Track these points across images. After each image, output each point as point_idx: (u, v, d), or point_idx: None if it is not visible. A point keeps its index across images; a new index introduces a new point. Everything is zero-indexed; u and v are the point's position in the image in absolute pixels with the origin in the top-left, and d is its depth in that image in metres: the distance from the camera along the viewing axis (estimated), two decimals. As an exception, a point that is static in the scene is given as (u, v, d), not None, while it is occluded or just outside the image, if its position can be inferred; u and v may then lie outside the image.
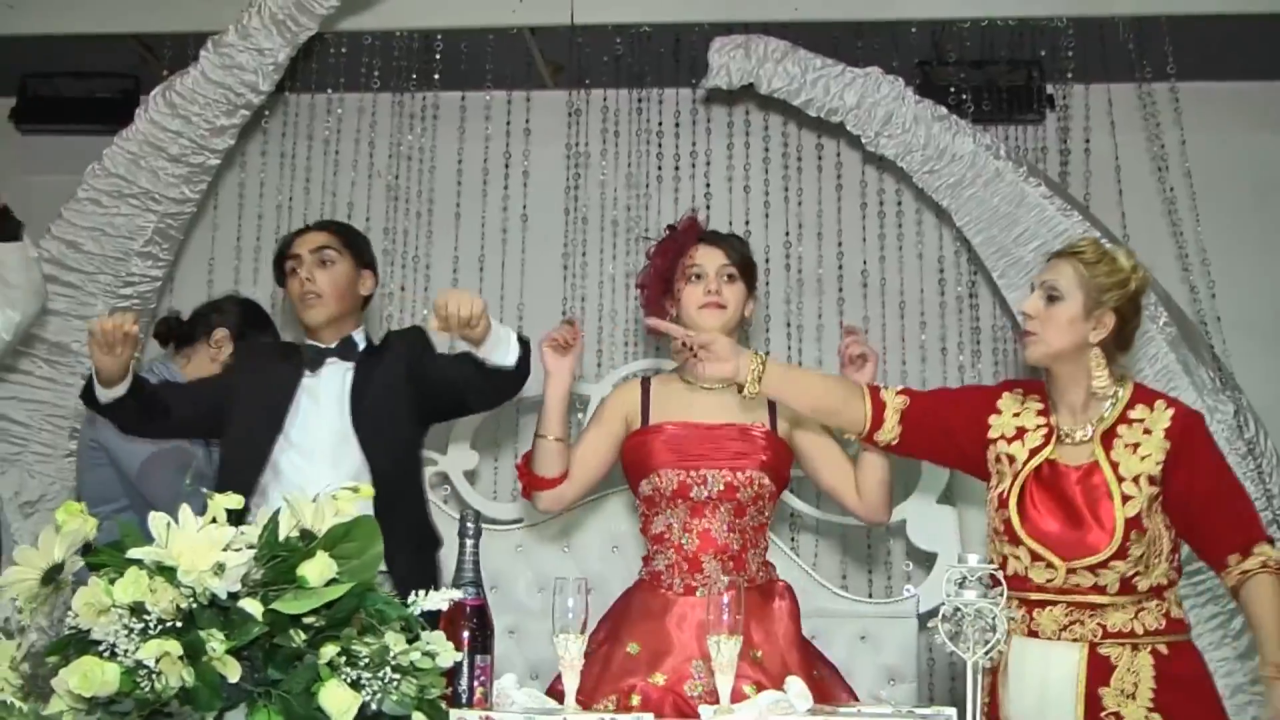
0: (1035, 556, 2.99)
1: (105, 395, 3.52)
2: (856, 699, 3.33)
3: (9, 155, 6.03)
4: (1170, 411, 3.03)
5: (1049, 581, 2.98)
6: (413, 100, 5.71)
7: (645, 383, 3.53)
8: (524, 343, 3.47)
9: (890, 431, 3.17)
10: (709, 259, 3.44)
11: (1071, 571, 2.96)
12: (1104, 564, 2.94)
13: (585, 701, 3.03)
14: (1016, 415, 3.14)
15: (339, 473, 3.43)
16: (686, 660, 3.18)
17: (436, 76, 5.55)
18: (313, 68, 5.59)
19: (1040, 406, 3.13)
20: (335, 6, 4.94)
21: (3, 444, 4.94)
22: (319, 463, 3.54)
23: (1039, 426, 3.10)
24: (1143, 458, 2.98)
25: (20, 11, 5.55)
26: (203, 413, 3.78)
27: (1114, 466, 2.98)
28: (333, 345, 3.71)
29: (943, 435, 3.22)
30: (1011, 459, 3.09)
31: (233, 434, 3.72)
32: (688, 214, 3.62)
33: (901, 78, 5.00)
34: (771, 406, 3.39)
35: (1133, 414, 3.04)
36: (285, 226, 5.63)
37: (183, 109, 4.98)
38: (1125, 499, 2.95)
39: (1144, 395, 3.08)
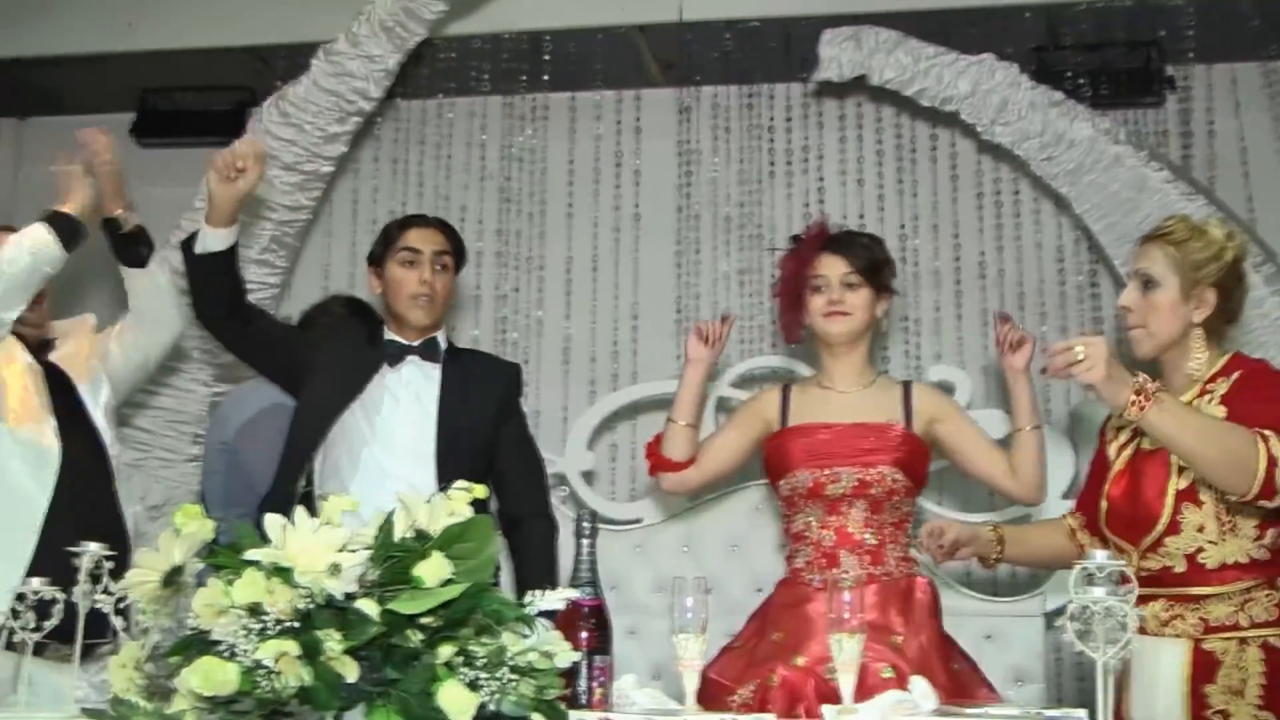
0: (1119, 549, 2.91)
1: (204, 238, 3.52)
2: (996, 694, 3.28)
3: (130, 168, 6.05)
4: (1236, 375, 2.88)
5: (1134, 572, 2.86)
6: (523, 102, 5.74)
7: (786, 389, 3.60)
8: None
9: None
10: (831, 268, 3.47)
11: (1144, 555, 2.86)
12: (1159, 541, 2.84)
13: (732, 689, 3.16)
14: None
15: (417, 469, 3.48)
16: (826, 645, 3.15)
17: (546, 77, 5.56)
18: (423, 73, 5.62)
19: None
20: (443, 11, 4.96)
21: (128, 450, 4.98)
22: (399, 457, 3.56)
23: (1132, 422, 2.98)
24: None
25: (139, 29, 5.66)
26: (276, 351, 3.78)
27: None
28: (415, 344, 3.71)
29: None
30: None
31: (305, 400, 3.73)
32: (816, 221, 3.64)
33: (1016, 64, 4.90)
34: (907, 405, 3.46)
35: (1212, 386, 2.90)
36: (399, 233, 5.68)
37: (295, 118, 5.02)
38: (1180, 470, 2.84)
39: (1235, 364, 2.93)
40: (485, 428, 3.68)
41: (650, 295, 5.53)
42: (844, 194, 5.48)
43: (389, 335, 3.75)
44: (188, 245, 3.58)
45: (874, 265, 3.50)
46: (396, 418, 3.63)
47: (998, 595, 4.81)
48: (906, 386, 3.54)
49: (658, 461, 3.55)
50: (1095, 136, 4.77)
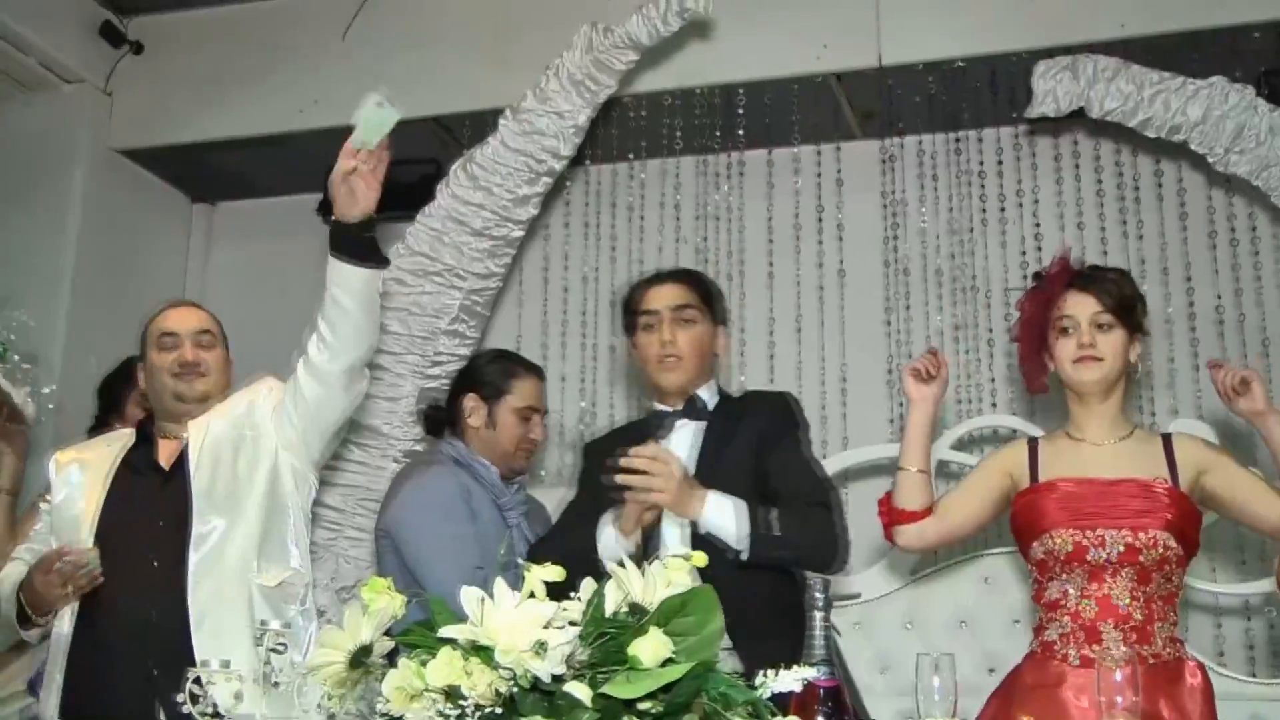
0: None
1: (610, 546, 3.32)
2: None
3: (318, 244, 6.12)
4: None
5: None
6: (717, 159, 5.67)
7: (1033, 442, 3.34)
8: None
9: None
10: (1080, 308, 3.20)
11: None
12: None
13: None
14: None
15: (688, 536, 3.24)
16: None
17: (740, 133, 5.48)
18: (613, 134, 5.60)
19: None
20: (634, 61, 4.93)
21: (319, 530, 4.89)
22: (670, 524, 3.33)
23: None
24: None
25: (322, 106, 5.70)
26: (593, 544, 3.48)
27: None
28: (679, 407, 3.52)
29: None
30: None
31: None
32: (1059, 256, 3.36)
33: (1250, 86, 4.58)
34: (1170, 458, 3.15)
35: None
36: (592, 300, 5.62)
37: (484, 180, 4.99)
38: None
39: None
40: (746, 465, 3.42)
41: (859, 355, 5.36)
42: (1063, 239, 5.19)
43: (656, 407, 3.58)
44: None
45: (1126, 303, 3.21)
46: None
47: (1256, 676, 4.42)
48: (1166, 439, 3.23)
49: (892, 515, 3.28)
50: (1343, 162, 4.43)
